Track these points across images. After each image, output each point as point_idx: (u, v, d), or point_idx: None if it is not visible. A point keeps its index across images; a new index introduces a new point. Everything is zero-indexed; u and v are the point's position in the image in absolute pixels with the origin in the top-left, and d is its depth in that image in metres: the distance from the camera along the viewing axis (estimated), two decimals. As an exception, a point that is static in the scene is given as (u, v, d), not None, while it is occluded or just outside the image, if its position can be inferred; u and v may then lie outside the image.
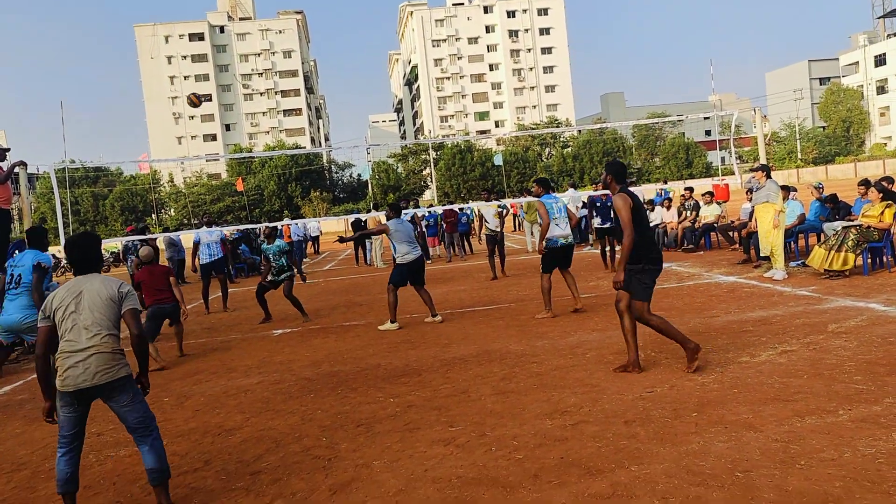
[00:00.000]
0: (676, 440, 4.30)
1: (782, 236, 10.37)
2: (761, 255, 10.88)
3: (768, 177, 10.55)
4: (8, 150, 10.17)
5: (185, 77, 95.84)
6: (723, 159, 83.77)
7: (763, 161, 11.79)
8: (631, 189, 6.03)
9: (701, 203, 15.82)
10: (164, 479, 3.95)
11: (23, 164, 10.25)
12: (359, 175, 79.26)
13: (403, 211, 16.23)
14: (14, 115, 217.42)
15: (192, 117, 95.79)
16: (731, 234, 14.70)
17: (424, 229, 20.34)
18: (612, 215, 13.06)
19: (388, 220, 9.89)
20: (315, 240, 32.03)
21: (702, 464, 3.90)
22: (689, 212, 15.92)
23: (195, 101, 12.35)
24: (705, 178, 58.39)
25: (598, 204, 14.16)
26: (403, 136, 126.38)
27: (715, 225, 15.30)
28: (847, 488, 3.43)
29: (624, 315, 5.98)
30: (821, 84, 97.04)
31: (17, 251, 10.63)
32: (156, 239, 14.10)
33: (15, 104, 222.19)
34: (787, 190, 12.34)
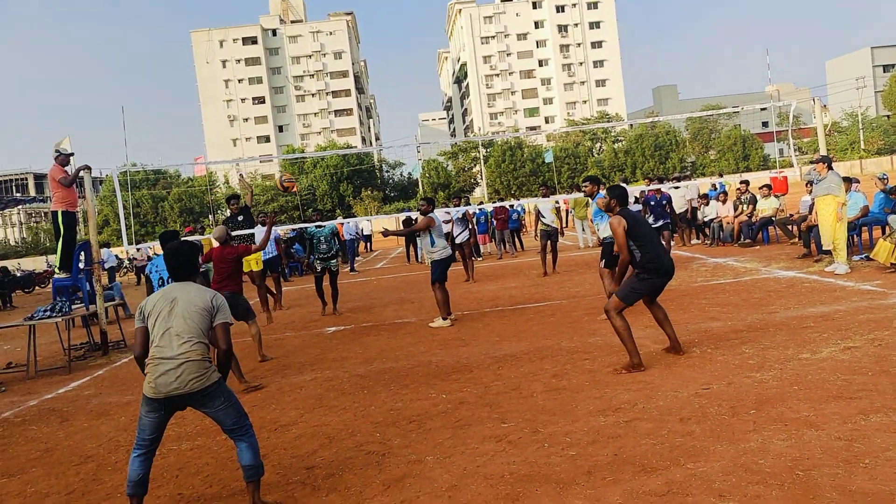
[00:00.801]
0: (734, 438, 4.21)
1: (845, 229, 10.03)
2: (823, 248, 10.56)
3: (830, 168, 10.22)
4: (71, 154, 10.56)
5: (239, 80, 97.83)
6: (781, 151, 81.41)
7: (823, 152, 11.41)
8: (634, 205, 6.42)
9: (758, 196, 15.42)
10: (258, 476, 3.99)
11: (87, 168, 10.62)
12: (409, 173, 79.62)
13: (455, 208, 16.32)
14: (78, 120, 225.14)
15: (247, 120, 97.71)
16: (790, 227, 14.30)
17: (475, 226, 20.33)
18: (666, 213, 12.80)
19: (424, 214, 9.87)
20: (367, 238, 32.43)
21: (760, 462, 3.81)
22: (745, 205, 15.54)
23: (284, 186, 12.55)
24: (762, 171, 56.91)
25: (653, 203, 13.82)
26: (453, 134, 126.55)
27: (773, 219, 14.90)
28: (915, 489, 3.31)
29: (652, 307, 6.44)
30: (884, 71, 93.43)
31: (83, 252, 11.04)
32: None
33: (79, 110, 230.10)
34: (849, 181, 11.93)
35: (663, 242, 13.41)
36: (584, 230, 20.50)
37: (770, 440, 4.11)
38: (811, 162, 11.11)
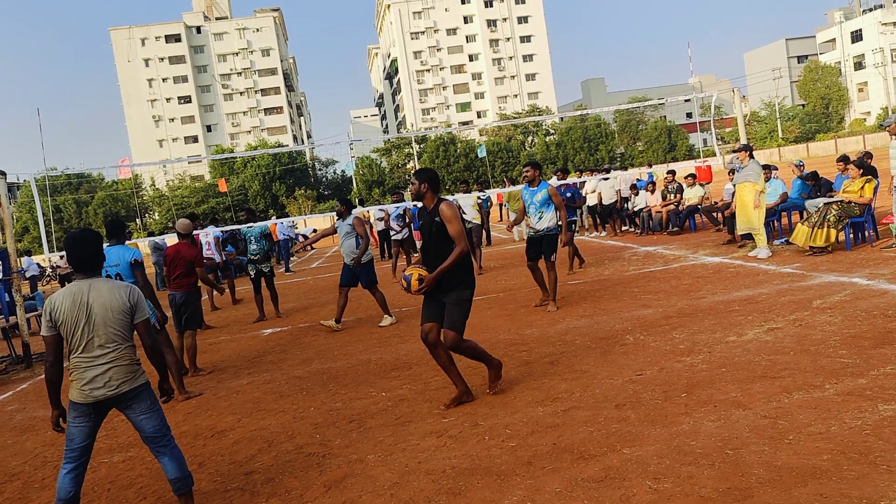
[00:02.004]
0: (667, 421, 4.34)
1: (763, 215, 10.44)
2: (740, 233, 11.01)
3: (751, 156, 10.62)
4: None
5: (163, 79, 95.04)
6: (705, 141, 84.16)
7: (744, 141, 11.84)
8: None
9: (684, 185, 15.89)
10: (188, 487, 3.85)
11: (1, 173, 10.14)
12: (342, 171, 78.99)
13: (396, 204, 16.18)
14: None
15: (173, 119, 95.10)
16: (714, 215, 14.79)
17: (412, 222, 20.27)
18: (572, 208, 12.38)
19: (341, 216, 9.58)
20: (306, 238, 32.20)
21: (692, 443, 3.94)
22: (672, 195, 16.00)
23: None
24: (688, 161, 58.65)
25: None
26: (386, 131, 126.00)
27: (699, 207, 15.39)
28: (835, 461, 3.48)
29: (437, 348, 5.27)
30: (799, 62, 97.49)
31: (0, 262, 10.56)
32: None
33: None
34: (768, 169, 12.43)
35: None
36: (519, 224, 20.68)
37: (701, 422, 4.25)
38: (733, 151, 11.52)
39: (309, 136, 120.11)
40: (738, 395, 4.62)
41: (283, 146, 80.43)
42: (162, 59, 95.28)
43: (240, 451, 5.02)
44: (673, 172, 16.56)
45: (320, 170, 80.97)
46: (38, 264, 27.27)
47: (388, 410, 5.45)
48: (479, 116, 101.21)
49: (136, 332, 3.86)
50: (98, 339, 3.69)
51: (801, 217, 11.96)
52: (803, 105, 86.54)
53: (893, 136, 9.31)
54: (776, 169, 12.88)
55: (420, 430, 4.88)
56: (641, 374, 5.40)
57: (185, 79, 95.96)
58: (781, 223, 12.61)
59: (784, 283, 8.16)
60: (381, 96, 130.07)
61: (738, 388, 4.73)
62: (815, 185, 12.25)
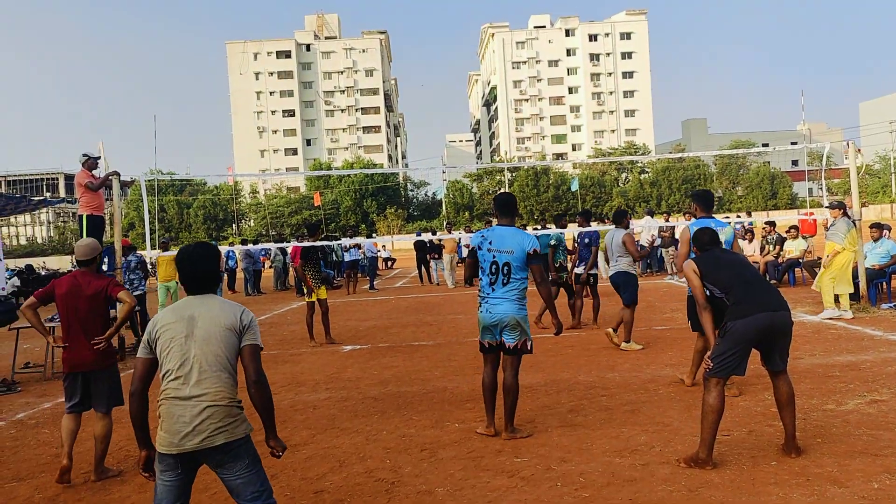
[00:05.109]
0: (754, 490, 4.09)
1: (838, 275, 9.98)
2: (814, 287, 10.71)
3: (845, 214, 10.17)
4: (98, 157, 10.75)
5: (270, 93, 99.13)
6: (810, 191, 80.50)
7: (856, 196, 11.23)
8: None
9: (785, 237, 15.23)
10: None
11: (116, 174, 10.76)
12: (433, 193, 79.95)
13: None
14: (110, 126, 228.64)
15: (276, 131, 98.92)
16: (817, 270, 14.08)
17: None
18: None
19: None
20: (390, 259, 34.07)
21: (781, 518, 3.69)
22: (772, 245, 15.35)
23: None
24: (790, 210, 56.33)
25: (577, 241, 11.29)
26: (479, 157, 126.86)
27: (800, 260, 14.69)
28: (943, 558, 3.18)
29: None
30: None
31: (106, 258, 11.14)
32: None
33: (111, 116, 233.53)
34: (880, 228, 11.76)
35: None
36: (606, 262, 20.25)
37: (791, 495, 3.98)
38: (827, 206, 11.08)
39: (404, 157, 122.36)
40: (834, 470, 4.31)
41: (376, 166, 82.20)
42: (271, 73, 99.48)
43: (311, 467, 5.06)
44: (773, 223, 15.91)
45: (412, 190, 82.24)
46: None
47: (460, 443, 5.38)
48: (574, 149, 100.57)
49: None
50: (195, 355, 3.08)
51: (914, 281, 11.22)
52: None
53: None
54: (889, 228, 12.17)
55: (491, 466, 4.78)
56: (728, 434, 5.13)
57: (290, 93, 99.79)
58: (892, 286, 11.86)
59: (891, 352, 7.63)
60: (478, 122, 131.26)
61: (835, 463, 4.42)
62: (931, 247, 11.47)
